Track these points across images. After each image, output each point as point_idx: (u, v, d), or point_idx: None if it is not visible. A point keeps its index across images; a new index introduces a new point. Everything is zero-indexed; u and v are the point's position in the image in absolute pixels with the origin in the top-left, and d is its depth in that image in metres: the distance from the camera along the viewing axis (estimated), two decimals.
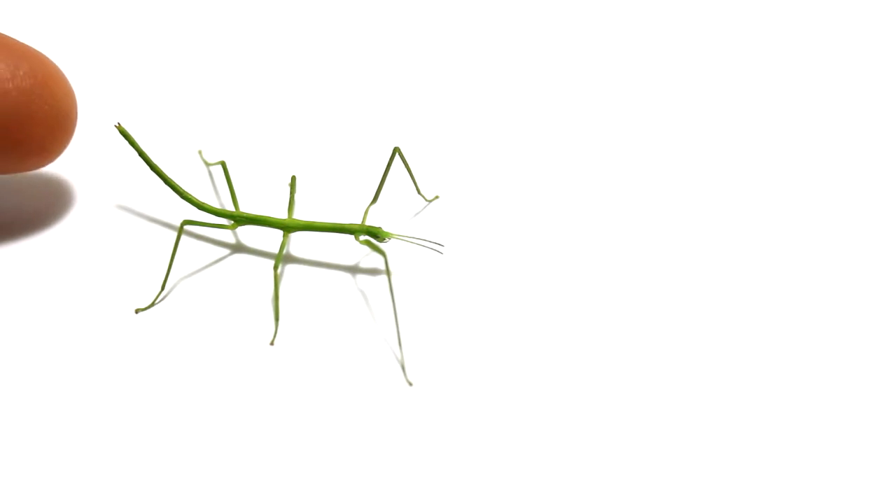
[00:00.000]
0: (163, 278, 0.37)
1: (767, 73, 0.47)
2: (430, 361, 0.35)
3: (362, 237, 0.36)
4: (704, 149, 0.43)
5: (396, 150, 0.37)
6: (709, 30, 0.49)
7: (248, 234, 0.39)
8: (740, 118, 0.44)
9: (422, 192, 0.40)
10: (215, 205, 0.40)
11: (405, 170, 0.40)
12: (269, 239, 0.39)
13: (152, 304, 0.36)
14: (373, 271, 0.37)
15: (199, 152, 0.42)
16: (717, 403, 0.34)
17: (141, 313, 0.36)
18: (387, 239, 0.36)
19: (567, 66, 0.46)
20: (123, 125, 0.38)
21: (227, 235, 0.39)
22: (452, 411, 0.33)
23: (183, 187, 0.39)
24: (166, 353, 0.35)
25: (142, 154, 0.37)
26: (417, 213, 0.39)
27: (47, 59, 0.37)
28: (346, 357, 0.35)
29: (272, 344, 0.35)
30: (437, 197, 0.40)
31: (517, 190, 0.41)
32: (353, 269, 0.37)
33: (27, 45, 0.36)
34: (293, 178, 0.38)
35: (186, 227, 0.39)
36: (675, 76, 0.46)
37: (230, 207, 0.40)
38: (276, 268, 0.35)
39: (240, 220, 0.37)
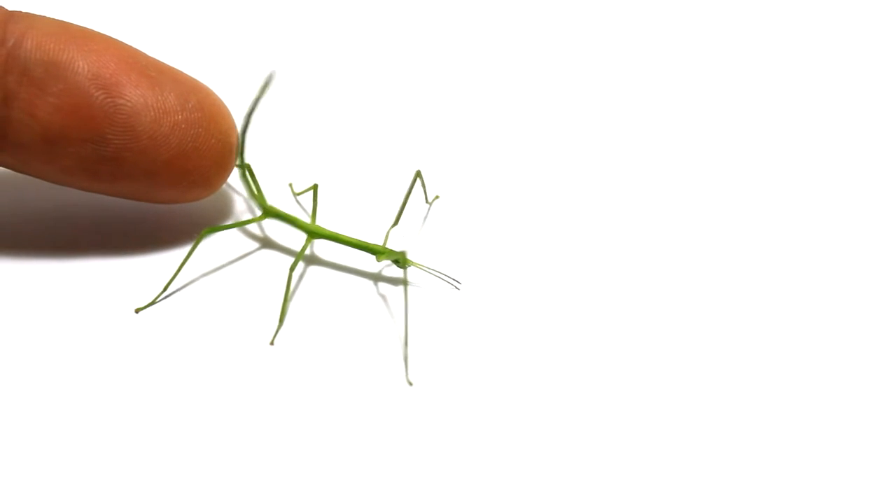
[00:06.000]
0: (168, 280, 0.37)
1: (767, 74, 0.47)
2: (429, 364, 0.35)
3: (384, 260, 0.36)
4: (709, 152, 0.43)
5: (418, 174, 0.37)
6: (709, 30, 0.49)
7: (267, 234, 0.39)
8: (742, 119, 0.45)
9: (428, 199, 0.41)
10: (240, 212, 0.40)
11: (420, 184, 0.41)
12: (289, 240, 0.39)
13: (152, 303, 0.36)
14: (386, 279, 0.37)
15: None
16: (720, 409, 0.34)
17: (142, 311, 0.36)
18: (408, 266, 0.36)
19: (580, 77, 0.47)
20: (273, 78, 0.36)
21: (244, 234, 0.39)
22: (452, 412, 0.34)
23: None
24: (166, 351, 0.35)
25: (257, 101, 0.35)
26: (425, 218, 0.40)
27: (213, 92, 0.37)
28: (346, 359, 0.35)
29: (272, 343, 0.35)
30: (437, 197, 0.41)
31: (522, 197, 0.41)
32: (366, 275, 0.38)
33: (195, 79, 0.37)
34: (315, 186, 0.38)
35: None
36: (677, 83, 0.46)
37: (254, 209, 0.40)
38: (292, 268, 0.35)
39: (270, 213, 0.37)
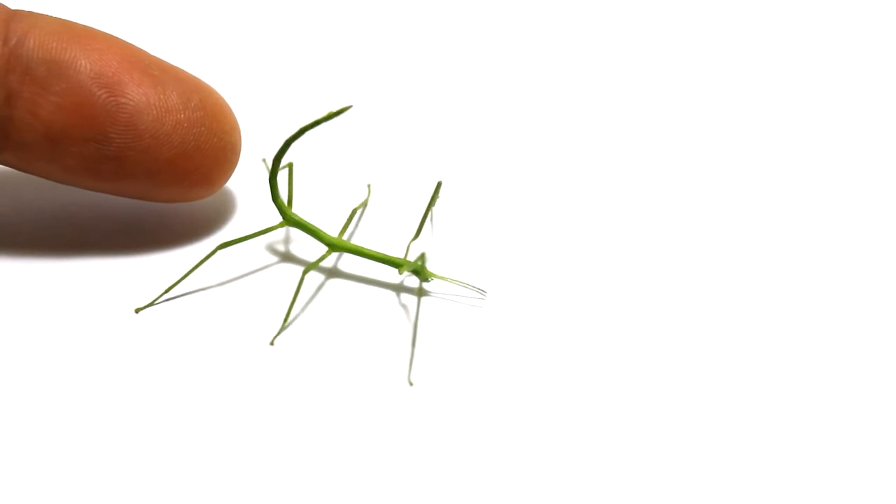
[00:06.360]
0: (170, 284, 0.36)
1: (767, 74, 0.47)
2: (437, 369, 0.35)
3: (405, 272, 0.36)
4: (714, 153, 0.43)
5: (439, 186, 0.37)
6: (710, 29, 0.49)
7: (283, 243, 0.39)
8: (743, 117, 0.45)
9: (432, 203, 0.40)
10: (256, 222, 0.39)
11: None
12: (306, 251, 0.39)
13: (152, 303, 0.36)
14: (408, 290, 0.37)
15: (264, 160, 0.42)
16: (723, 412, 0.34)
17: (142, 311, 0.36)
18: (430, 279, 0.36)
19: (608, 84, 0.47)
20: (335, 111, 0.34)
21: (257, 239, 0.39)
22: (451, 413, 0.34)
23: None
24: (166, 351, 0.35)
25: (319, 122, 0.33)
26: (431, 220, 0.40)
27: (216, 91, 0.37)
28: (351, 361, 0.35)
29: (272, 344, 0.35)
30: (437, 198, 0.40)
31: (526, 199, 0.41)
32: (387, 286, 0.38)
33: (197, 78, 0.37)
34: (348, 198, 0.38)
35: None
36: (685, 86, 0.46)
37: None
38: (306, 271, 0.35)
39: (290, 221, 0.37)
